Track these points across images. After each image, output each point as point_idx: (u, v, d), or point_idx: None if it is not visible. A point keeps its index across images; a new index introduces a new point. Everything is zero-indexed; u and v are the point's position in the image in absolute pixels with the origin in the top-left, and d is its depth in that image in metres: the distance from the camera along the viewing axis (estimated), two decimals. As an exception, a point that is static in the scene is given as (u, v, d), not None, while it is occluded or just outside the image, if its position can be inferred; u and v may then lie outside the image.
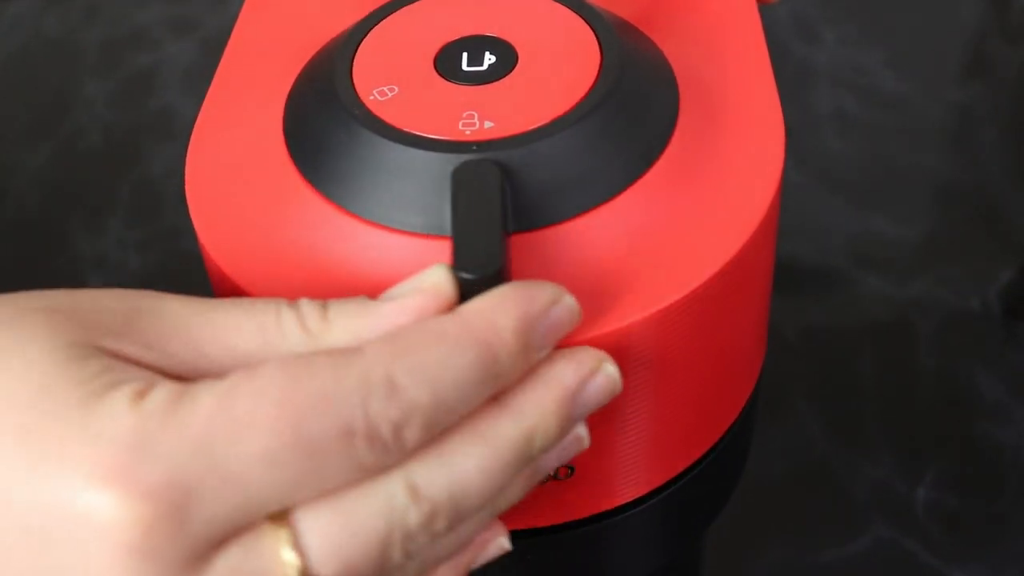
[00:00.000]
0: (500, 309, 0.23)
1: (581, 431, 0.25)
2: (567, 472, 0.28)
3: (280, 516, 0.21)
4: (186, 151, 0.33)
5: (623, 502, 0.30)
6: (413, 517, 0.22)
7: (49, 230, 0.59)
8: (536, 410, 0.23)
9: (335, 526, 0.21)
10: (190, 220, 0.32)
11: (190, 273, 0.52)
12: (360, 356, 0.22)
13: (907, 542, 0.47)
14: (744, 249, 0.28)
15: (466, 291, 0.24)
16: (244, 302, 0.24)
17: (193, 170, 0.31)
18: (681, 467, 0.30)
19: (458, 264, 0.24)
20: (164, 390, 0.21)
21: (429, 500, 0.22)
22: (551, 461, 0.25)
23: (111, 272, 0.56)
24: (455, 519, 0.23)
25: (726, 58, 0.33)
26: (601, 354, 0.24)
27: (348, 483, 0.22)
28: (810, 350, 0.53)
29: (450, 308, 0.24)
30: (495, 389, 0.23)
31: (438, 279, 0.24)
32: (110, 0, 0.75)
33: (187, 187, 0.31)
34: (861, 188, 0.60)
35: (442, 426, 0.22)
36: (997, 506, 0.48)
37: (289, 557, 0.21)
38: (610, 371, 0.24)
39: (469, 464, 0.22)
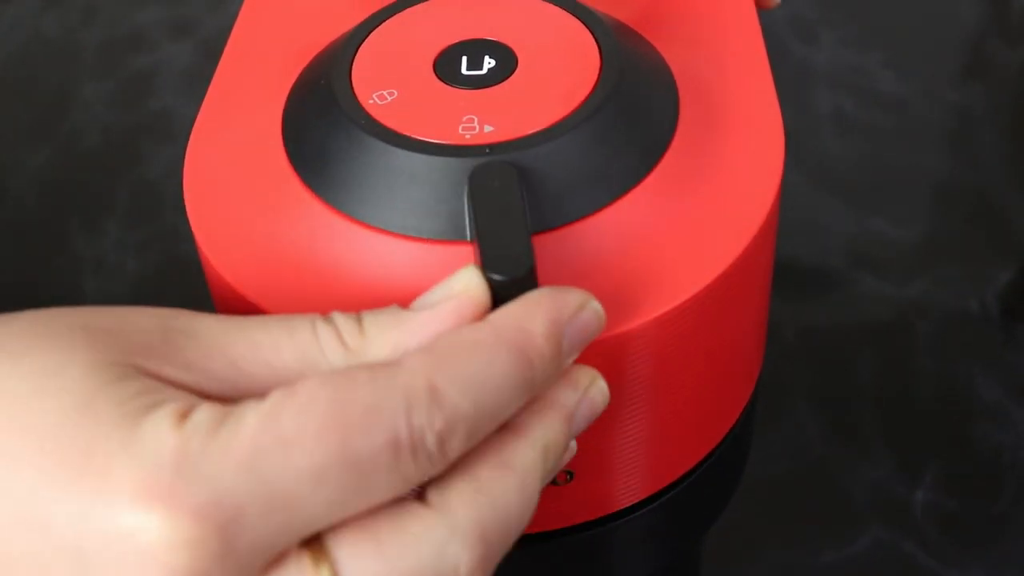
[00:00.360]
0: (531, 315, 0.23)
1: (572, 442, 0.25)
2: (566, 477, 0.28)
3: (318, 549, 0.21)
4: (184, 152, 0.33)
5: (623, 506, 0.30)
6: (462, 558, 0.22)
7: (47, 231, 0.59)
8: (548, 433, 0.23)
9: (382, 570, 0.21)
10: (189, 223, 0.32)
11: (189, 276, 0.52)
12: (401, 369, 0.22)
13: (906, 544, 0.46)
14: (745, 253, 0.28)
15: (498, 293, 0.23)
16: (279, 319, 0.23)
17: (191, 175, 0.31)
18: (681, 471, 0.30)
19: (488, 266, 0.24)
20: (207, 410, 0.21)
21: (476, 539, 0.22)
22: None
23: (109, 274, 0.56)
24: (498, 552, 0.22)
25: (725, 61, 0.33)
26: (593, 372, 0.25)
27: (391, 496, 0.21)
28: (809, 351, 0.53)
29: (484, 311, 0.23)
30: (531, 394, 0.23)
31: (469, 282, 0.24)
32: (108, 1, 0.75)
33: (185, 193, 0.31)
34: (860, 189, 0.60)
35: (484, 433, 0.22)
36: (996, 507, 0.48)
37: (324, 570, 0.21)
38: (601, 386, 0.25)
39: (509, 497, 0.22)
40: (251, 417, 0.21)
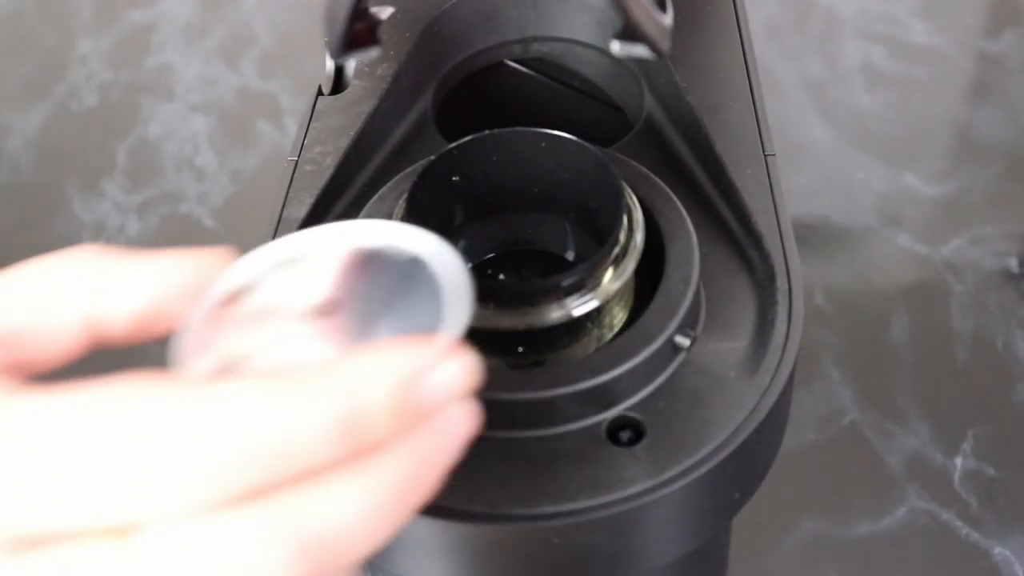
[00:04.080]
0: (376, 359, 0.21)
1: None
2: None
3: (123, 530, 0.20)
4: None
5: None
6: (276, 553, 0.20)
7: (45, 194, 0.57)
8: (421, 452, 0.21)
9: (185, 549, 0.20)
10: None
11: (189, 237, 0.50)
12: (204, 385, 0.20)
13: (944, 514, 0.45)
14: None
15: None
16: None
17: None
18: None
19: None
20: None
21: (301, 533, 0.20)
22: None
23: (110, 237, 0.54)
24: (326, 554, 0.20)
25: None
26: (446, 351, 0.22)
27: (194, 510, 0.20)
28: (840, 314, 0.51)
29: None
30: (359, 441, 0.21)
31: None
32: (105, -46, 0.72)
33: None
34: (891, 144, 0.58)
35: (294, 469, 0.20)
36: (1040, 476, 0.46)
37: (122, 557, 0.20)
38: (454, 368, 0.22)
39: (347, 503, 0.21)
40: (36, 396, 0.20)
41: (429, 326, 0.23)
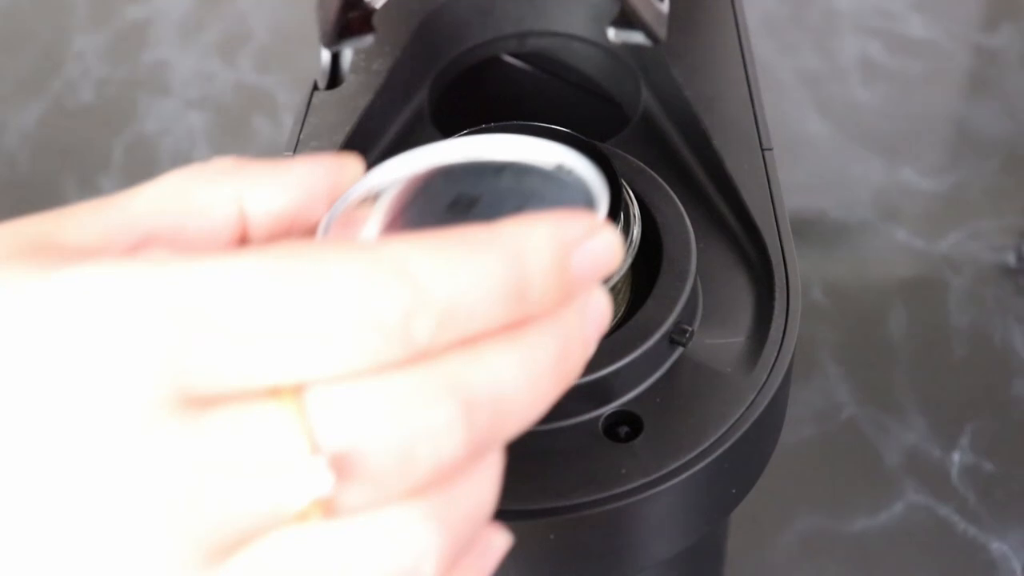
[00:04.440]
0: (537, 224, 0.21)
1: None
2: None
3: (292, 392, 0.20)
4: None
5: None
6: (441, 416, 0.20)
7: (41, 190, 0.57)
8: (571, 328, 0.22)
9: (356, 403, 0.20)
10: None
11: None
12: (374, 245, 0.21)
13: (942, 509, 0.45)
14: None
15: None
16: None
17: None
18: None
19: None
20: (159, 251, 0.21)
21: (463, 395, 0.20)
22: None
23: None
24: (488, 426, 0.21)
25: None
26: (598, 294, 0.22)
27: (344, 368, 0.20)
28: (837, 308, 0.51)
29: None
30: (522, 307, 0.21)
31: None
32: (101, -50, 0.72)
33: None
34: (888, 138, 0.58)
35: (459, 332, 0.21)
36: (1037, 471, 0.46)
37: (293, 421, 0.20)
38: (602, 307, 0.23)
39: (509, 373, 0.21)
40: (208, 257, 0.20)
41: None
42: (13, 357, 0.20)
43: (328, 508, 0.20)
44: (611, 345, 0.28)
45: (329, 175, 0.25)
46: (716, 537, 0.40)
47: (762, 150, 0.34)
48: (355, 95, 0.37)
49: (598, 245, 0.22)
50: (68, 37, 0.66)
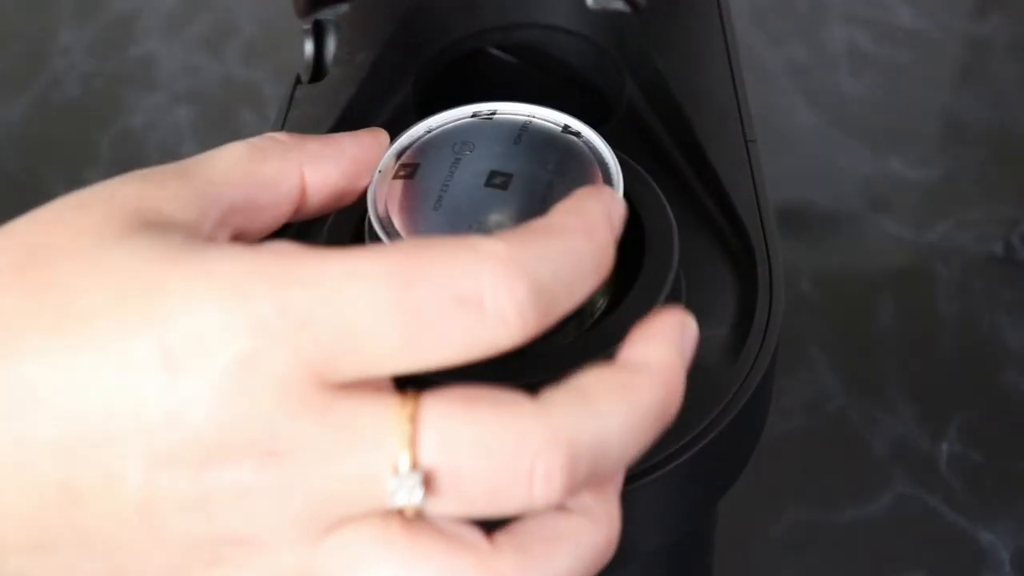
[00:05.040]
0: (594, 205, 0.24)
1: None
2: None
3: (412, 396, 0.22)
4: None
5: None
6: (542, 457, 0.21)
7: (27, 187, 0.57)
8: (674, 376, 0.23)
9: (462, 431, 0.21)
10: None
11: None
12: (485, 239, 0.22)
13: (930, 499, 0.45)
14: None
15: None
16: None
17: None
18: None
19: None
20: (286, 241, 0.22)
21: (566, 447, 0.21)
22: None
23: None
24: (585, 471, 0.22)
25: None
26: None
27: (464, 357, 0.22)
28: (825, 299, 0.51)
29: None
30: (599, 280, 0.24)
31: None
32: (87, -57, 0.72)
33: None
34: (877, 129, 0.58)
35: (560, 313, 0.22)
36: (1025, 460, 0.46)
37: (402, 434, 0.21)
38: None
39: (614, 421, 0.22)
40: (329, 251, 0.22)
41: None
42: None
43: (414, 514, 0.21)
44: (594, 338, 0.28)
45: (372, 148, 0.28)
46: (704, 529, 0.40)
47: (746, 141, 0.34)
48: (338, 88, 0.36)
49: (621, 209, 0.25)
50: (54, 31, 0.66)
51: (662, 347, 0.24)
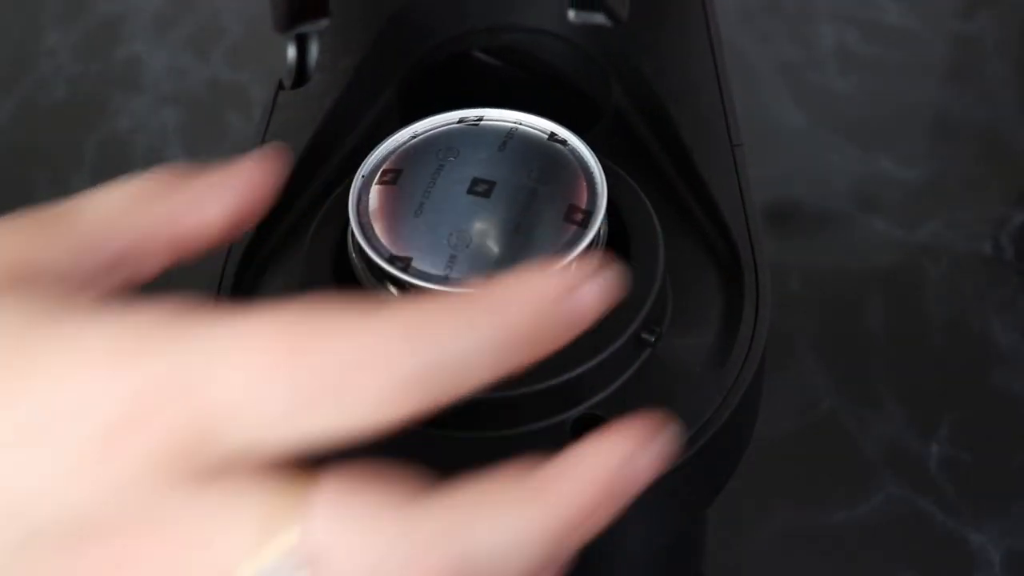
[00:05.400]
0: (525, 278, 0.22)
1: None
2: None
3: (307, 478, 0.21)
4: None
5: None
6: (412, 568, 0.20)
7: (11, 190, 0.57)
8: (591, 498, 0.22)
9: (347, 523, 0.20)
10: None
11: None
12: (381, 308, 0.21)
13: (921, 501, 0.45)
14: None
15: None
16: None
17: None
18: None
19: None
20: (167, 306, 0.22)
21: (437, 560, 0.21)
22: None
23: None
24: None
25: None
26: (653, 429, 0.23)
27: (353, 431, 0.21)
28: (815, 299, 0.51)
29: None
30: (509, 356, 0.22)
31: None
32: (72, -56, 0.71)
33: None
34: (865, 127, 0.57)
35: (448, 398, 0.21)
36: (1015, 461, 0.46)
37: (274, 523, 0.20)
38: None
39: (497, 538, 0.21)
40: (218, 317, 0.21)
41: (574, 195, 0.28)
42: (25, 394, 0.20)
43: None
44: (578, 347, 0.28)
45: (266, 175, 0.26)
46: (694, 533, 0.40)
47: (732, 146, 0.34)
48: (322, 94, 0.36)
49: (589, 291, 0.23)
50: (40, 33, 0.65)
51: (594, 467, 0.22)
